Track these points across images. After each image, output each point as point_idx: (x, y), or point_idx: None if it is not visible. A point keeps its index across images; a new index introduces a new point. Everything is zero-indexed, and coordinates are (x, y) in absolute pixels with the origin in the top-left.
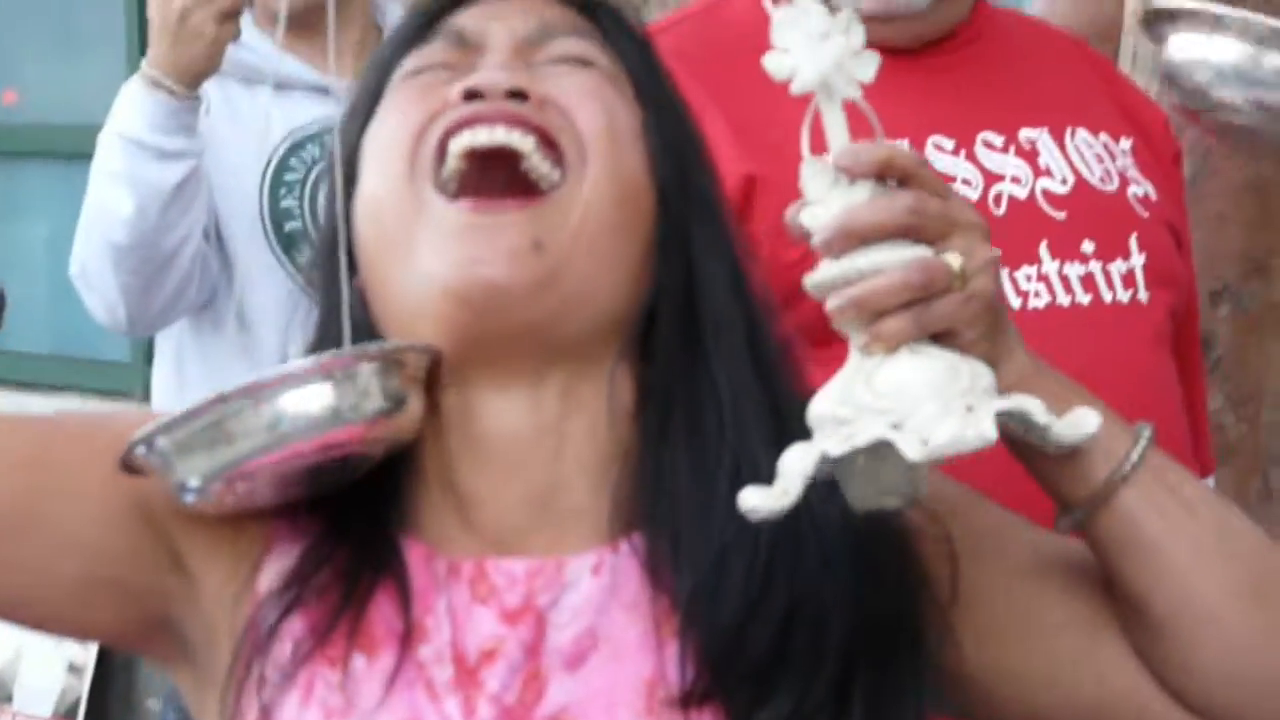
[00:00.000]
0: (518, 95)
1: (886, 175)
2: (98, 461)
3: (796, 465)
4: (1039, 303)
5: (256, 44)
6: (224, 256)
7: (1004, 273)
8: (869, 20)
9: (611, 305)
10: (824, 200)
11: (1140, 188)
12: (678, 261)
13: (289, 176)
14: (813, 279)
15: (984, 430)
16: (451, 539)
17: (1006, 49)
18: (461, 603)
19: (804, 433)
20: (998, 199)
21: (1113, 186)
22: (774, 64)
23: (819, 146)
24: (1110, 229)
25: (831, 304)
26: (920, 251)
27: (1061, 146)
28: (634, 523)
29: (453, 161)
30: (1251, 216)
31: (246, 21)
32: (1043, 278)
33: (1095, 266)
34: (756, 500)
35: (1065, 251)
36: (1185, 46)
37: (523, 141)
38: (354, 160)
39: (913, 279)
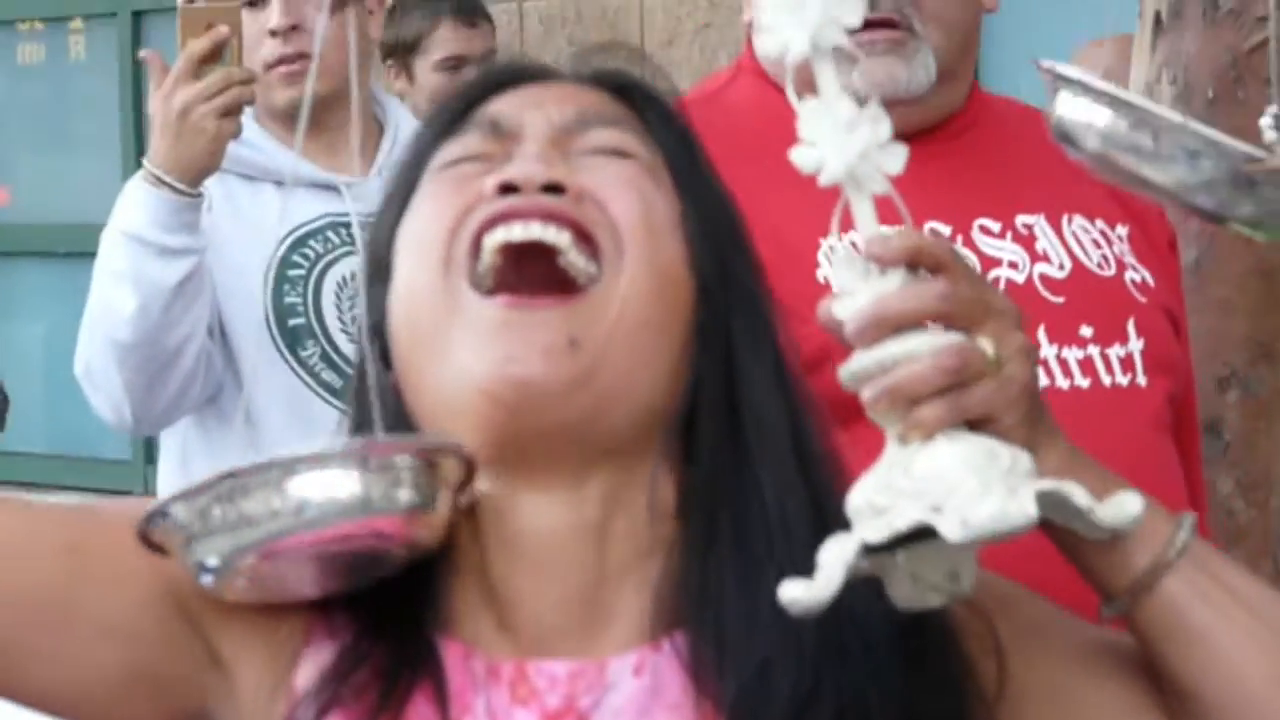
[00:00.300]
0: (553, 188)
1: (918, 263)
2: (134, 550)
3: (836, 555)
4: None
5: (258, 140)
6: (228, 353)
7: None
8: None
9: (650, 400)
10: (855, 290)
11: (1137, 274)
12: (718, 353)
13: (292, 273)
14: (847, 369)
15: (1026, 508)
16: (489, 638)
17: (1001, 136)
18: (501, 705)
19: (847, 529)
20: (995, 284)
21: (1110, 272)
22: (801, 157)
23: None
24: (1108, 314)
25: (866, 394)
26: (953, 337)
27: (1058, 232)
28: (675, 623)
29: (488, 257)
30: (1257, 302)
31: (247, 118)
32: (1041, 361)
33: (1094, 350)
34: (797, 592)
35: (1063, 336)
36: (1070, 107)
37: (558, 237)
38: (388, 252)
39: (947, 364)
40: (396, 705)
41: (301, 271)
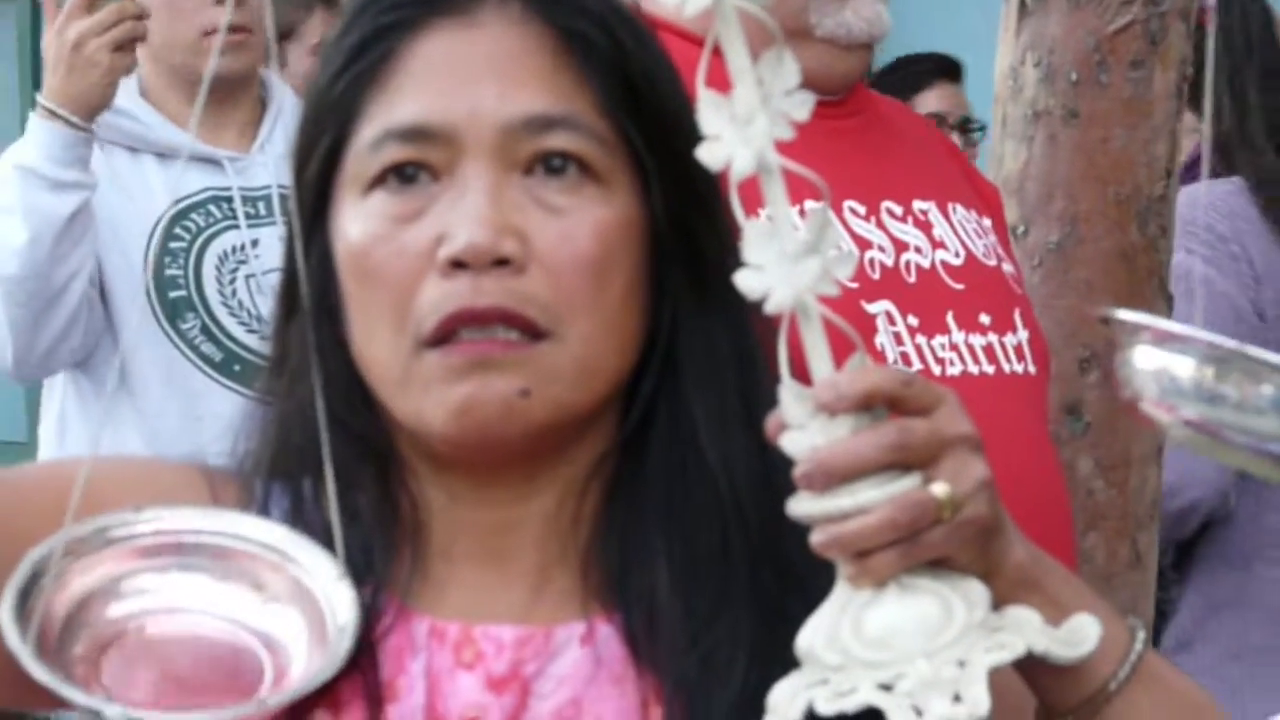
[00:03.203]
0: (503, 261)
1: (871, 405)
2: (42, 526)
3: (787, 709)
4: (954, 370)
5: (139, 112)
6: (110, 322)
7: (922, 340)
8: (833, 46)
9: (603, 410)
10: (805, 426)
11: (1009, 265)
12: (670, 324)
13: (174, 245)
14: (795, 509)
15: (976, 707)
16: (438, 602)
17: (886, 121)
18: (444, 667)
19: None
20: (908, 268)
21: (993, 263)
22: (746, 282)
23: (800, 365)
24: (998, 303)
25: (815, 540)
26: (906, 484)
27: (948, 220)
28: (615, 601)
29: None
30: (1119, 284)
31: (132, 90)
32: (954, 347)
33: (994, 338)
34: None
35: (967, 323)
36: (1149, 357)
37: (507, 334)
38: (320, 198)
39: (899, 519)
40: None
41: (183, 244)
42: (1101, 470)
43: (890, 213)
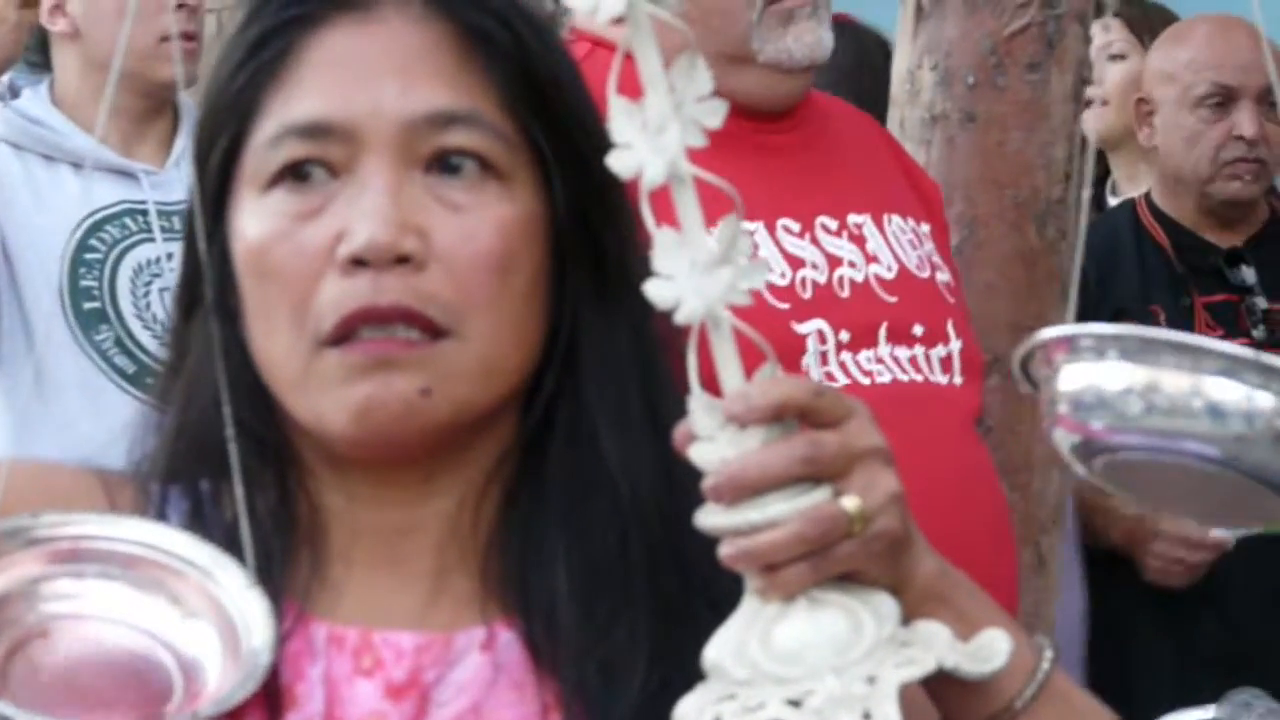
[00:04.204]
0: (404, 259)
1: (782, 417)
2: None
3: None
4: (884, 379)
5: (55, 122)
6: (24, 325)
7: (847, 357)
8: (775, 71)
9: (503, 407)
10: (714, 438)
11: (944, 274)
12: (571, 323)
13: (89, 256)
14: (704, 521)
15: None
16: (336, 607)
17: (829, 134)
18: (343, 673)
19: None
20: (840, 283)
21: (926, 274)
22: (656, 292)
23: (709, 374)
24: (932, 315)
25: (724, 553)
26: (816, 498)
27: (882, 232)
28: (514, 607)
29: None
30: (1019, 285)
31: (43, 98)
32: (880, 360)
33: (919, 351)
34: None
35: (899, 336)
36: (1076, 376)
37: (408, 332)
38: (220, 196)
39: (808, 533)
40: None
41: (99, 255)
42: (1004, 473)
43: (825, 228)
